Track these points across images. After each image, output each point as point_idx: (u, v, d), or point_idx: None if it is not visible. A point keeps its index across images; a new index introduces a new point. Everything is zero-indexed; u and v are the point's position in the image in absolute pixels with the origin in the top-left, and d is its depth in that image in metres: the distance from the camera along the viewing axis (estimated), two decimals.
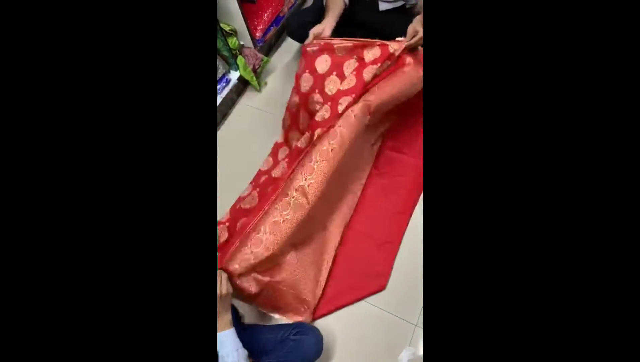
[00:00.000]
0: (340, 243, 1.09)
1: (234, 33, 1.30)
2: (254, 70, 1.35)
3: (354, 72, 1.01)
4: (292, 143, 1.14)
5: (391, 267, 1.06)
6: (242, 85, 1.42)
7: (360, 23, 1.24)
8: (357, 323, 1.00)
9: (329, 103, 1.01)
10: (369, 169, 1.19)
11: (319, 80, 1.06)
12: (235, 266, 0.85)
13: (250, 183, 1.18)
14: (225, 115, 1.39)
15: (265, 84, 1.44)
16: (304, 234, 1.05)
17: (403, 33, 1.07)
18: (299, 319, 0.98)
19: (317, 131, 0.97)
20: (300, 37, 1.14)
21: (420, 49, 1.07)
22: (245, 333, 0.82)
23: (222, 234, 0.95)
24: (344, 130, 0.98)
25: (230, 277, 0.85)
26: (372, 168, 1.20)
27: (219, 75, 1.32)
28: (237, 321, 0.93)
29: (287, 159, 1.01)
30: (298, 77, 1.09)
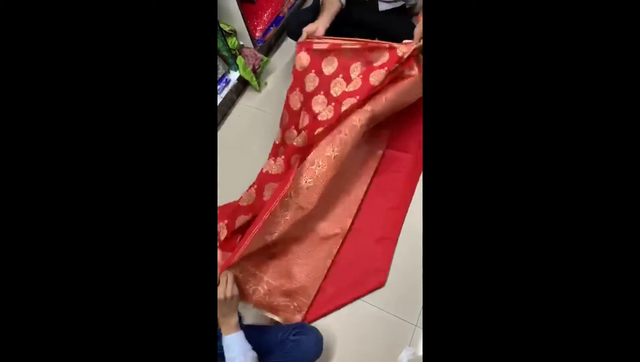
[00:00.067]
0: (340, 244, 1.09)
1: (233, 33, 1.30)
2: (254, 71, 1.35)
3: (361, 76, 1.00)
4: (287, 143, 1.14)
5: (390, 263, 1.06)
6: (242, 85, 1.42)
7: (359, 23, 1.24)
8: (357, 323, 1.00)
9: (333, 104, 1.00)
10: (371, 175, 1.18)
11: (325, 82, 1.05)
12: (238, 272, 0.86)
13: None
14: (225, 115, 1.39)
15: (265, 84, 1.44)
16: (300, 234, 1.05)
17: (403, 33, 1.07)
18: (290, 318, 0.98)
19: (318, 130, 0.97)
20: (300, 37, 1.14)
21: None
22: (245, 334, 0.81)
23: (222, 232, 0.94)
24: (348, 139, 0.98)
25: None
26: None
27: (219, 76, 1.32)
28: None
29: (283, 157, 1.00)
30: (302, 76, 1.08)
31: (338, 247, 1.07)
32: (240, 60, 1.31)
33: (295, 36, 1.15)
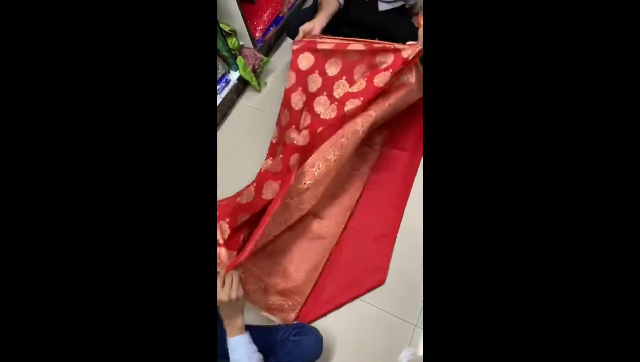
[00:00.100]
0: (336, 243, 1.09)
1: (233, 33, 1.30)
2: (254, 71, 1.35)
3: (365, 78, 1.00)
4: (287, 142, 1.14)
5: (389, 261, 1.07)
6: (242, 85, 1.42)
7: (359, 23, 1.24)
8: (357, 323, 1.00)
9: (336, 103, 1.00)
10: (368, 173, 1.18)
11: (328, 83, 1.05)
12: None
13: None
14: (225, 115, 1.39)
15: (265, 84, 1.44)
16: (297, 233, 1.05)
17: (402, 33, 1.07)
18: (286, 317, 0.98)
19: (320, 129, 0.97)
20: (297, 36, 1.14)
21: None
22: None
23: (225, 231, 0.93)
24: (349, 143, 0.98)
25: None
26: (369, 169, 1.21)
27: (219, 76, 1.32)
28: None
29: (282, 156, 1.00)
30: (305, 76, 1.07)
31: (333, 246, 1.07)
32: (240, 60, 1.31)
33: (295, 36, 1.14)
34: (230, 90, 1.35)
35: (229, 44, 1.26)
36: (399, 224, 1.12)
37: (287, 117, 1.14)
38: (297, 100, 1.11)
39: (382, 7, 1.23)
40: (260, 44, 1.39)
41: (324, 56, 1.05)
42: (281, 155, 1.00)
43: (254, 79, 1.36)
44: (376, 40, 1.04)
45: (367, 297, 1.03)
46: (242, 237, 0.95)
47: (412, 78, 1.03)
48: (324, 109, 1.04)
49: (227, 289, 0.72)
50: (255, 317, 1.00)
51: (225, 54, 1.28)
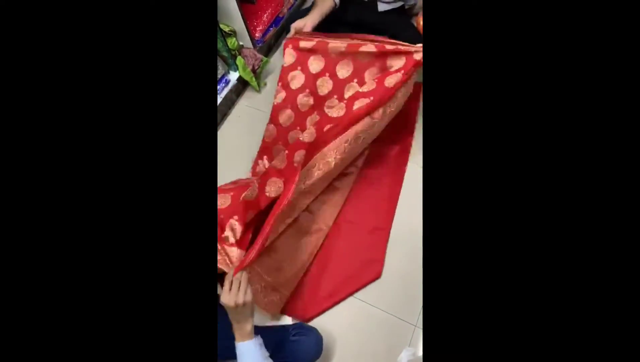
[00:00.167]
0: (326, 238, 1.10)
1: (233, 34, 1.30)
2: (254, 71, 1.35)
3: (376, 80, 1.00)
4: (290, 142, 1.13)
5: (384, 253, 1.08)
6: (242, 85, 1.42)
7: (358, 23, 1.24)
8: (357, 324, 1.00)
9: (345, 102, 1.00)
10: (359, 167, 1.19)
11: (339, 86, 1.05)
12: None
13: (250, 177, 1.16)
14: (224, 115, 1.39)
15: (265, 84, 1.44)
16: (292, 230, 1.05)
17: (402, 33, 1.07)
18: (274, 311, 0.97)
19: (328, 126, 0.96)
20: (289, 33, 1.14)
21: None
22: None
23: (236, 229, 0.91)
24: (350, 148, 0.97)
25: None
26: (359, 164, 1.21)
27: (219, 76, 1.32)
28: None
29: (286, 152, 1.00)
30: (315, 78, 1.06)
31: (322, 240, 1.08)
32: (240, 60, 1.31)
33: None
34: (230, 91, 1.35)
35: (228, 44, 1.26)
36: (393, 216, 1.13)
37: (293, 119, 1.13)
38: (304, 102, 1.10)
39: (382, 7, 1.24)
40: (260, 45, 1.39)
41: (334, 59, 1.04)
42: (286, 152, 1.00)
43: (253, 79, 1.36)
44: (384, 39, 1.02)
45: (367, 297, 1.03)
46: (249, 236, 0.94)
47: (411, 81, 1.03)
48: (333, 108, 1.03)
49: (233, 293, 0.69)
50: (255, 316, 1.00)
51: (225, 54, 1.28)
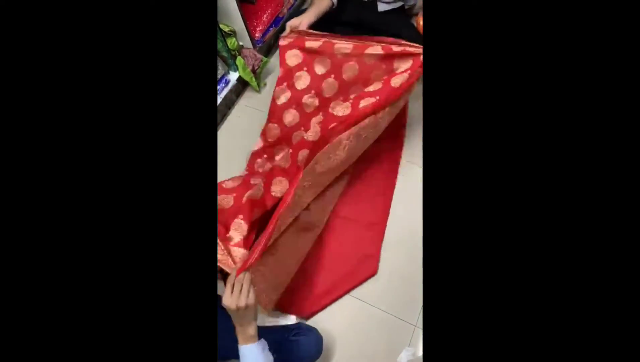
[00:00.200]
0: (321, 235, 1.09)
1: (233, 34, 1.30)
2: (253, 71, 1.35)
3: (382, 81, 1.00)
4: (294, 141, 1.13)
5: (380, 249, 1.09)
6: (242, 85, 1.42)
7: (358, 23, 1.24)
8: (357, 323, 1.00)
9: (351, 101, 0.99)
10: (352, 167, 1.19)
11: (344, 88, 1.04)
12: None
13: (252, 171, 1.15)
14: (224, 115, 1.39)
15: (265, 84, 1.44)
16: (290, 227, 1.05)
17: (402, 34, 1.07)
18: (268, 306, 0.97)
19: (332, 125, 0.96)
20: (284, 32, 1.13)
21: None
22: None
23: (243, 228, 0.90)
24: (352, 145, 0.97)
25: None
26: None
27: (219, 76, 1.32)
28: None
29: (291, 151, 0.99)
30: (321, 80, 1.05)
31: (317, 236, 1.08)
32: (239, 60, 1.31)
33: None
34: (230, 91, 1.35)
35: (228, 44, 1.26)
36: (388, 211, 1.14)
37: (298, 119, 1.12)
38: (310, 102, 1.09)
39: (382, 7, 1.24)
40: (259, 45, 1.39)
41: (339, 61, 1.03)
42: (290, 151, 0.99)
43: (253, 79, 1.36)
44: (392, 40, 1.01)
45: (367, 297, 1.03)
46: (253, 236, 0.93)
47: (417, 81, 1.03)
48: (338, 108, 1.03)
49: (235, 296, 0.67)
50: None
51: (225, 54, 1.28)
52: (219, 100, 1.32)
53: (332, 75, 1.04)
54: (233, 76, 1.36)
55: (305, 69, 1.07)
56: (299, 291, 1.04)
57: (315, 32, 1.08)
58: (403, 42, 0.99)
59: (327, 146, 0.95)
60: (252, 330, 0.69)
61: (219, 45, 1.23)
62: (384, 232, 1.11)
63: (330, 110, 1.06)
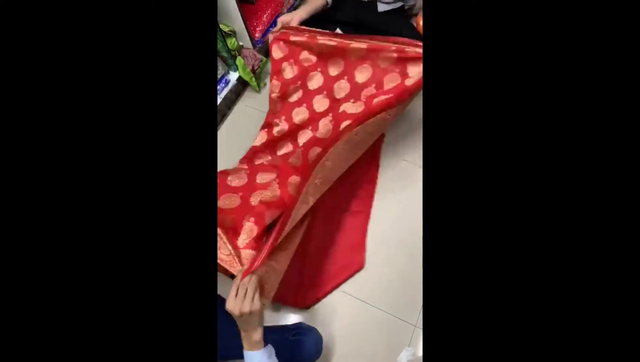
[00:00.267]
0: (316, 224, 1.10)
1: (233, 34, 1.30)
2: (253, 71, 1.35)
3: (395, 84, 0.99)
4: (303, 141, 1.12)
5: (365, 237, 1.12)
6: (242, 86, 1.42)
7: (358, 23, 1.24)
8: (357, 324, 1.00)
9: (364, 100, 0.99)
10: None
11: (356, 90, 1.04)
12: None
13: (270, 170, 1.13)
14: (224, 116, 1.39)
15: (265, 84, 1.44)
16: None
17: (402, 34, 1.07)
18: (268, 298, 0.95)
19: (345, 123, 0.95)
20: (275, 27, 1.13)
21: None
22: None
23: (253, 229, 0.89)
24: (358, 139, 0.97)
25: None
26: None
27: (219, 76, 1.32)
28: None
29: (302, 149, 0.99)
30: (333, 81, 1.05)
31: (306, 226, 1.07)
32: (239, 60, 1.31)
33: None
34: (230, 91, 1.35)
35: (228, 44, 1.26)
36: (373, 199, 1.18)
37: (307, 118, 1.11)
38: (320, 104, 1.09)
39: (381, 7, 1.24)
40: (259, 45, 1.39)
41: (352, 63, 1.03)
42: (301, 149, 0.98)
43: (253, 79, 1.37)
44: (406, 40, 0.99)
45: (367, 297, 1.04)
46: (264, 239, 0.92)
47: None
48: (349, 106, 1.03)
49: (239, 300, 0.64)
50: None
51: (224, 54, 1.28)
52: (219, 100, 1.32)
53: (345, 77, 1.04)
54: (233, 76, 1.36)
55: (319, 69, 1.08)
56: (289, 282, 1.02)
57: (305, 27, 1.08)
58: (416, 42, 0.97)
59: (338, 142, 0.95)
60: (257, 336, 0.66)
61: (219, 45, 1.23)
62: (368, 220, 1.14)
63: (340, 110, 1.06)
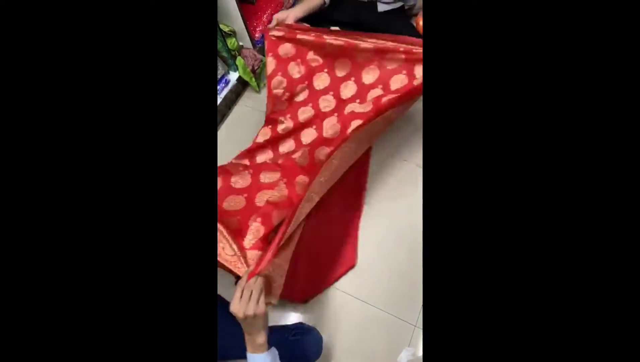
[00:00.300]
0: (309, 220, 1.10)
1: (233, 34, 1.30)
2: (253, 71, 1.35)
3: (402, 85, 0.99)
4: (308, 140, 1.12)
5: (357, 232, 1.12)
6: (242, 86, 1.42)
7: (358, 23, 1.25)
8: (357, 323, 1.00)
9: (371, 100, 1.00)
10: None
11: (363, 91, 1.04)
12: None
13: (273, 169, 1.13)
14: (224, 115, 1.39)
15: (265, 84, 1.44)
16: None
17: (402, 34, 1.07)
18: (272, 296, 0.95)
19: (354, 123, 0.95)
20: (270, 24, 1.13)
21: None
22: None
23: (260, 229, 0.88)
24: (361, 137, 0.97)
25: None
26: None
27: (219, 76, 1.32)
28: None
29: (308, 148, 0.99)
30: (340, 82, 1.05)
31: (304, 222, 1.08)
32: (239, 60, 1.31)
33: None
34: (230, 91, 1.35)
35: (228, 44, 1.26)
36: (364, 192, 1.20)
37: (312, 117, 1.11)
38: (325, 104, 1.09)
39: (381, 7, 1.24)
40: (259, 45, 1.39)
41: (359, 65, 1.03)
42: (307, 148, 0.98)
43: (253, 79, 1.37)
44: (414, 39, 0.99)
45: (367, 297, 1.04)
46: (270, 239, 0.91)
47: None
48: (356, 106, 1.03)
49: (244, 302, 0.63)
50: None
51: (224, 54, 1.28)
52: (219, 100, 1.32)
53: (352, 78, 1.05)
54: (233, 76, 1.36)
55: (326, 70, 1.08)
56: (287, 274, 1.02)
57: (300, 25, 1.08)
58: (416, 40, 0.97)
59: (347, 141, 0.95)
60: (261, 339, 0.65)
61: (219, 45, 1.23)
62: (361, 214, 1.15)
63: (345, 111, 1.06)
